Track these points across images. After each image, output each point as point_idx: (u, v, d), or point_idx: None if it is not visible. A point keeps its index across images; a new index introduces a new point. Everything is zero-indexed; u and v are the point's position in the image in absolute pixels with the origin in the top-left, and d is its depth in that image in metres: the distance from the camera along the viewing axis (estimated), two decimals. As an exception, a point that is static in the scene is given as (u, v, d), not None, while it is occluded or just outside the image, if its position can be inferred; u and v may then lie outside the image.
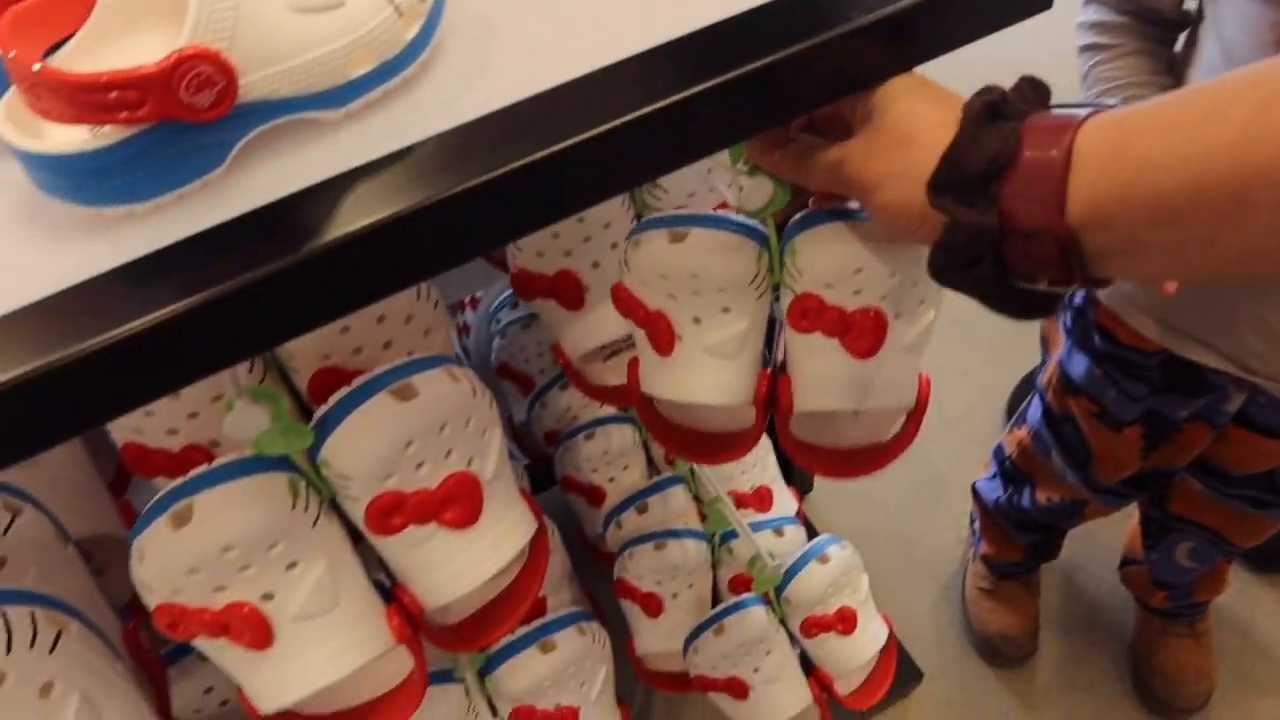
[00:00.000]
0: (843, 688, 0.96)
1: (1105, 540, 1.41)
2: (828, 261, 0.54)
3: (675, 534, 0.95)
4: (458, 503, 0.55)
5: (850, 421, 0.65)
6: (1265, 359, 0.82)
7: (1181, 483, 1.07)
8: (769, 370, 0.62)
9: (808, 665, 0.94)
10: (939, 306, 0.59)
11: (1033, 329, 1.72)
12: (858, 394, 0.58)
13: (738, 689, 0.91)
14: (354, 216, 0.35)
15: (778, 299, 0.59)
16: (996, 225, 0.40)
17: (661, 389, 0.62)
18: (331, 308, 0.37)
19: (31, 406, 0.35)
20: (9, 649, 0.47)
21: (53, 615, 0.50)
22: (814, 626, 0.89)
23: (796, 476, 1.35)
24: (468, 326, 1.22)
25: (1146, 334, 0.88)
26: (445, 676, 0.81)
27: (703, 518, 1.00)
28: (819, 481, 1.50)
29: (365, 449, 0.51)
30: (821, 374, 0.58)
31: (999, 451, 1.24)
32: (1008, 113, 0.42)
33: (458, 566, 0.56)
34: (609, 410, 1.06)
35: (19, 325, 0.36)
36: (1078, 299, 0.96)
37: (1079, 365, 0.98)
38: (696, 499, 1.01)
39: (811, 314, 0.56)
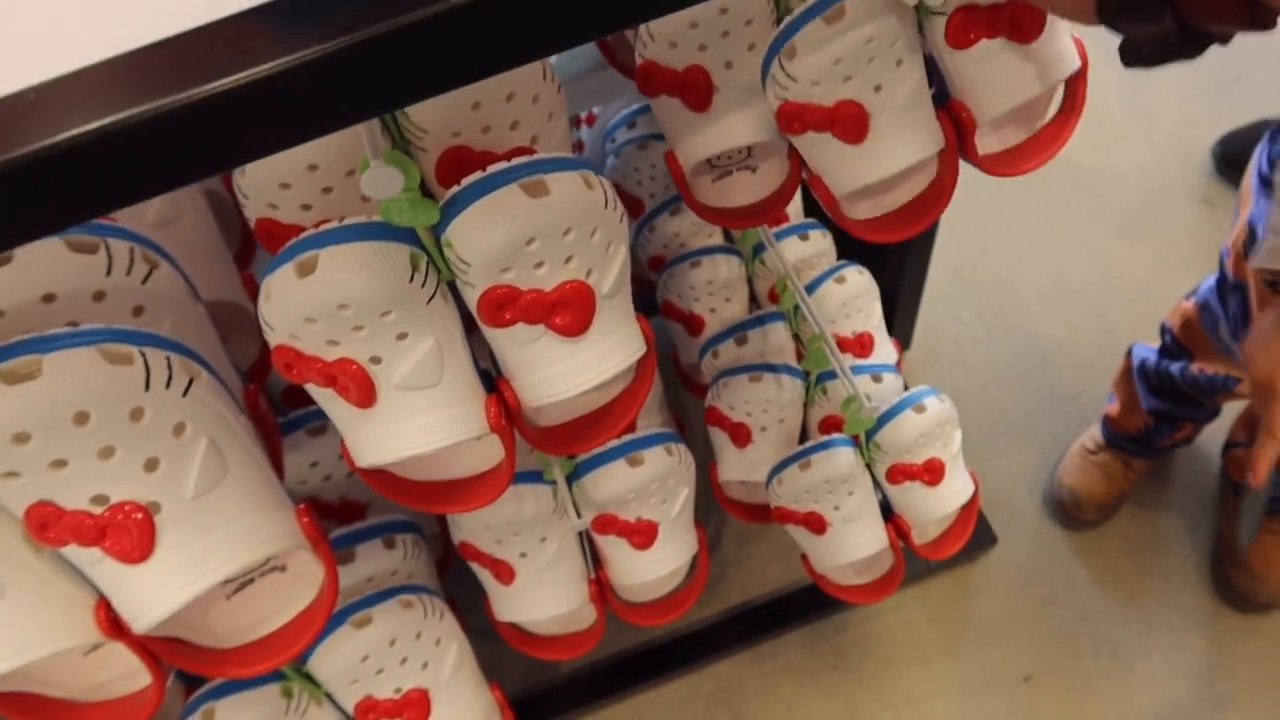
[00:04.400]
0: (919, 537, 0.97)
1: (1206, 438, 1.36)
2: None
3: (772, 368, 0.95)
4: (569, 310, 0.55)
5: (1015, 115, 0.65)
6: None
7: None
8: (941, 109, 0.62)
9: (887, 511, 0.95)
10: None
11: (1172, 208, 1.64)
12: (1035, 78, 0.58)
13: (816, 524, 0.92)
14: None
15: (922, 33, 0.58)
16: None
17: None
18: (476, 64, 0.36)
19: (173, 139, 0.36)
20: (147, 387, 0.50)
21: (186, 363, 0.53)
22: (900, 474, 0.89)
23: (897, 329, 1.33)
24: (582, 143, 1.21)
25: None
26: (536, 477, 0.84)
27: (801, 357, 0.99)
28: (918, 340, 1.48)
29: (487, 237, 0.51)
30: (996, 76, 0.58)
31: (1163, 326, 1.20)
32: None
33: (559, 371, 0.57)
34: (717, 240, 1.05)
35: (163, 56, 0.36)
36: None
37: (1268, 220, 0.92)
38: (796, 338, 1.00)
39: (972, 22, 0.55)
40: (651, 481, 0.86)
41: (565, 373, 0.56)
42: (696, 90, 0.64)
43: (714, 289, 1.03)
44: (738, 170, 0.74)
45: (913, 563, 1.02)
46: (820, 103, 0.58)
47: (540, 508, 0.84)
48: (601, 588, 0.92)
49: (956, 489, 0.93)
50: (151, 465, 0.51)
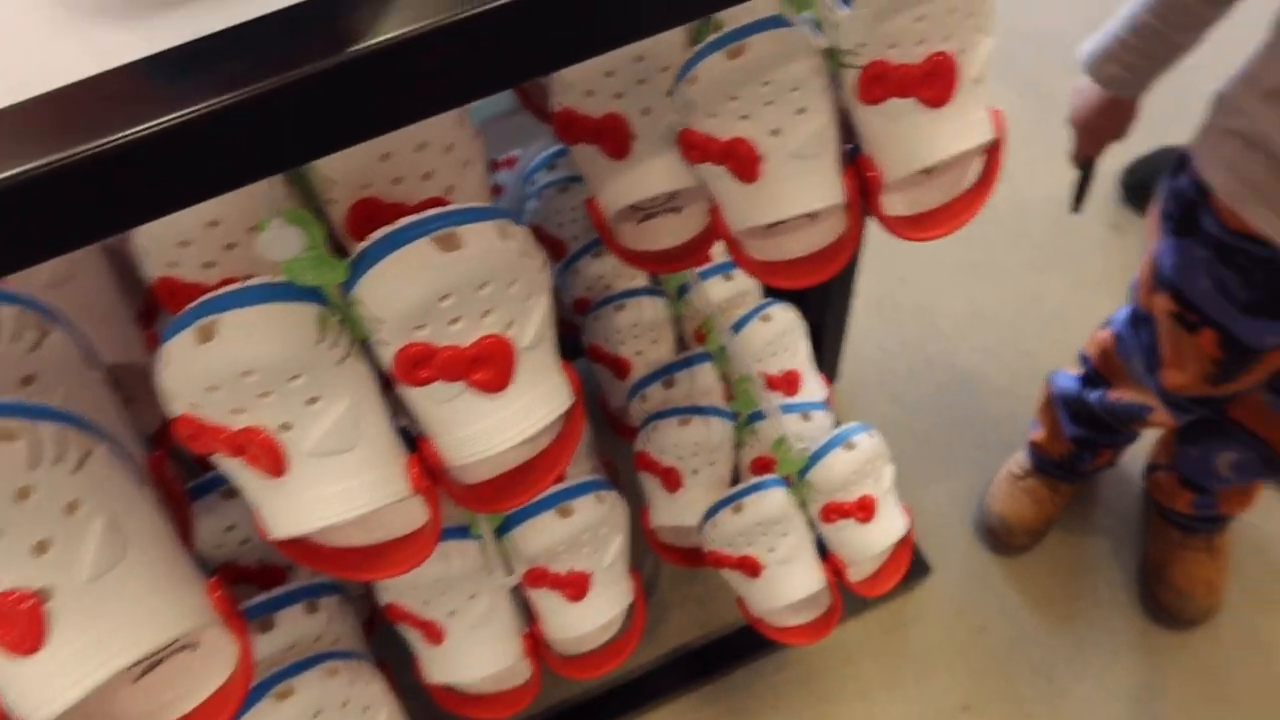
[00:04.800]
0: (855, 574, 0.96)
1: (1129, 460, 1.39)
2: (889, 22, 0.53)
3: (701, 410, 0.94)
4: (488, 365, 0.53)
5: (931, 179, 0.65)
6: None
7: (1247, 393, 1.05)
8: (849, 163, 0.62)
9: (823, 550, 0.95)
10: (994, 32, 0.58)
11: (1082, 235, 1.69)
12: (943, 145, 0.58)
13: (751, 567, 0.91)
14: (410, 19, 0.32)
15: (839, 85, 0.57)
16: None
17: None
18: (375, 120, 0.34)
19: (54, 200, 0.34)
20: (34, 464, 0.47)
21: (80, 435, 0.50)
22: (834, 512, 0.89)
23: (824, 364, 1.33)
24: (501, 187, 1.19)
25: (1260, 226, 0.84)
26: (462, 532, 0.82)
27: (729, 397, 0.99)
28: (846, 373, 1.49)
29: (399, 294, 0.49)
30: (905, 137, 0.58)
31: (1082, 355, 1.23)
32: None
33: (481, 428, 0.55)
34: (641, 281, 1.04)
35: (41, 112, 0.34)
36: (1185, 184, 0.92)
37: (1174, 254, 0.95)
38: (724, 379, 1.00)
39: (882, 80, 0.55)
40: (583, 531, 0.84)
41: (488, 430, 0.54)
42: (614, 138, 0.64)
43: (640, 331, 1.02)
44: (662, 213, 0.73)
45: (849, 596, 1.01)
46: (716, 136, 0.57)
47: (468, 564, 0.81)
48: (535, 642, 0.90)
49: (890, 525, 0.92)
50: (42, 548, 0.47)
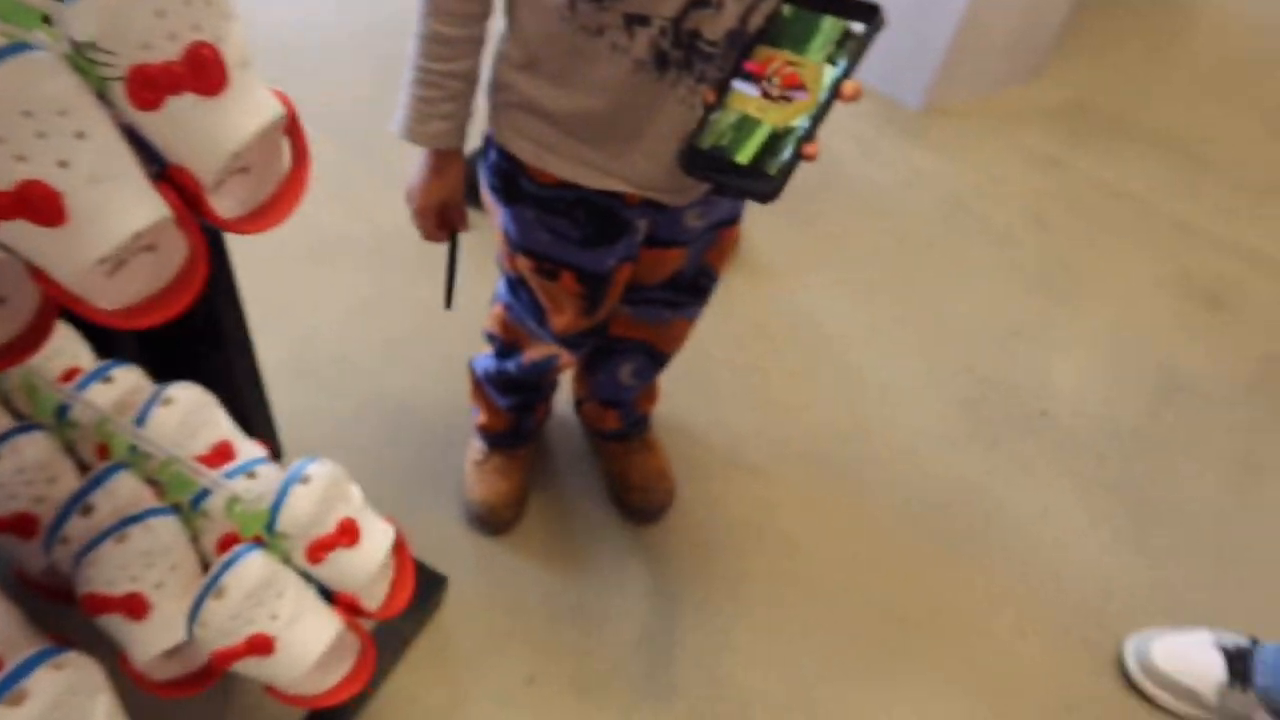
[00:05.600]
0: (370, 601, 0.95)
1: (562, 405, 1.56)
2: (125, 22, 0.51)
3: (135, 519, 0.85)
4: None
5: (250, 173, 0.64)
6: (652, 174, 0.94)
7: (617, 314, 1.22)
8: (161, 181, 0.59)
9: (329, 596, 0.91)
10: (239, 18, 0.58)
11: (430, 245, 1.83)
12: (238, 128, 0.57)
13: (263, 645, 0.84)
14: None
15: (111, 101, 0.54)
16: None
17: None
18: None
19: None
20: None
21: None
22: (319, 549, 0.86)
23: (261, 436, 1.28)
24: None
25: (564, 175, 0.96)
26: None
27: (163, 494, 0.90)
28: (293, 444, 1.45)
29: None
30: (197, 132, 0.56)
31: (488, 333, 1.31)
32: None
33: None
34: (7, 421, 0.90)
35: None
36: (497, 160, 1.02)
37: (514, 221, 1.05)
38: (150, 480, 0.91)
39: (149, 84, 0.53)
40: (50, 711, 0.72)
41: None
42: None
43: (30, 475, 0.88)
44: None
45: (387, 643, 0.99)
46: None
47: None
48: None
49: (379, 538, 0.92)
50: None
